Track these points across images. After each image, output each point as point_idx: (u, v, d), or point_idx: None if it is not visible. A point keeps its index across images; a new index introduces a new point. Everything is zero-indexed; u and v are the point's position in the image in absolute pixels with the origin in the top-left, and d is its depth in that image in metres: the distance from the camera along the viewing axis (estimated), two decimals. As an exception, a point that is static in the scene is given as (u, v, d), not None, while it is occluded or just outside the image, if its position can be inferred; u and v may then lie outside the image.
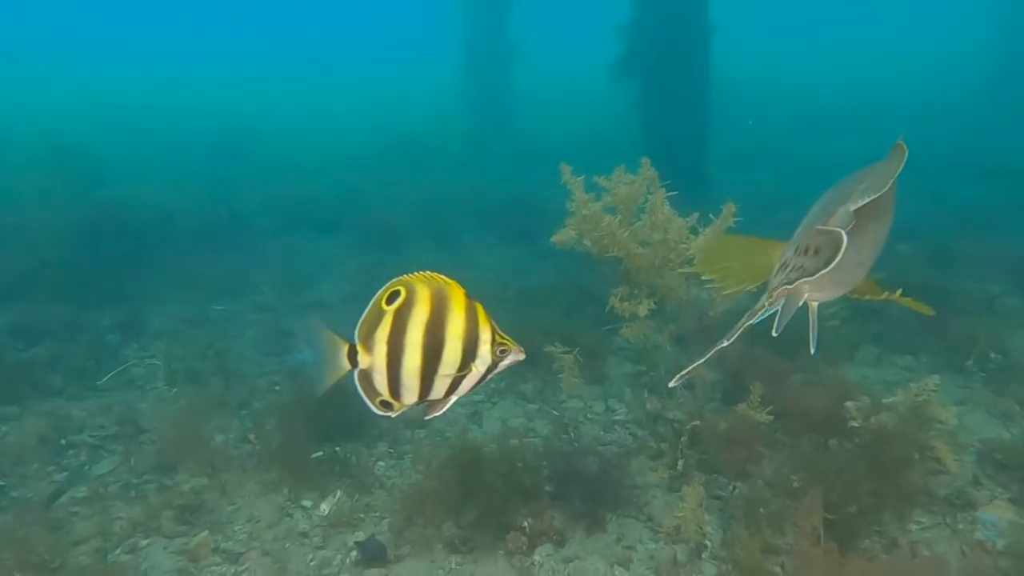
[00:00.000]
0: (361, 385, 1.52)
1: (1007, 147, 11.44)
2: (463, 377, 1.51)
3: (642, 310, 2.75)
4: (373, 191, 10.14)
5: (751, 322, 1.55)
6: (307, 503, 3.40)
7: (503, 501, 3.03)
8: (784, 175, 10.77)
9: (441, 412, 1.55)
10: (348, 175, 11.31)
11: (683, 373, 1.48)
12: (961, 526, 2.88)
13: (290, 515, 3.32)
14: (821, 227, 1.56)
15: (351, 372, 1.51)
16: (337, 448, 3.72)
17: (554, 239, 2.82)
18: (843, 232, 1.40)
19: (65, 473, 3.68)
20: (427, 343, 1.47)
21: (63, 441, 3.96)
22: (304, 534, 3.19)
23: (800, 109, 16.30)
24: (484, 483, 3.06)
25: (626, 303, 2.77)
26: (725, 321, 3.30)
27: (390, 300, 1.49)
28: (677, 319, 3.08)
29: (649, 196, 2.62)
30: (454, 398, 1.54)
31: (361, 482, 3.49)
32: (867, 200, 1.48)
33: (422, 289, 1.46)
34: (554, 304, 5.33)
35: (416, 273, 1.48)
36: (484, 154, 13.22)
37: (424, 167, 11.79)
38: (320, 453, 3.73)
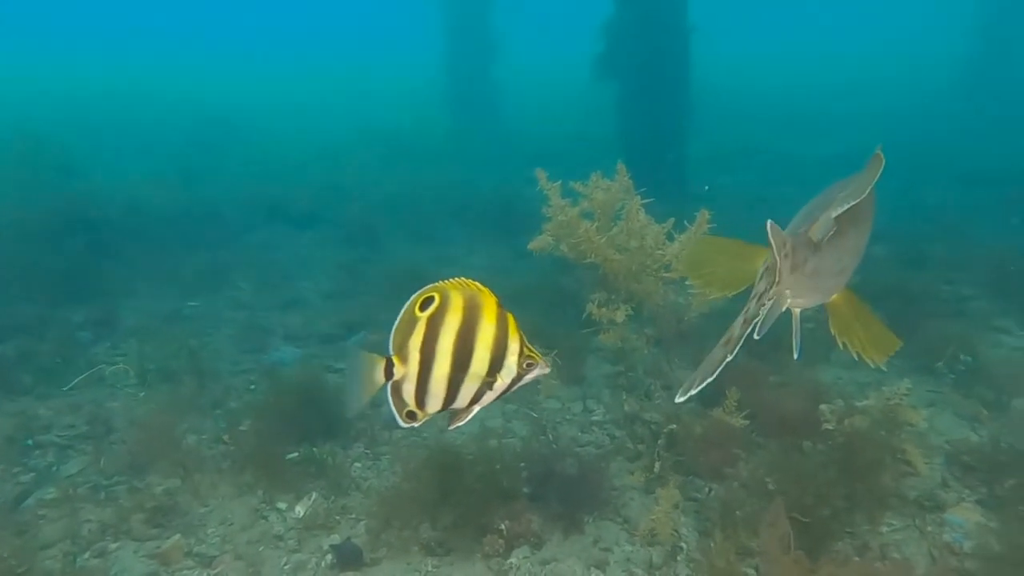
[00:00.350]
0: (393, 397, 1.50)
1: (981, 150, 11.65)
2: (488, 386, 1.50)
3: (619, 316, 2.76)
4: (354, 187, 10.05)
5: (747, 332, 1.55)
6: (282, 505, 3.36)
7: (481, 503, 3.02)
8: (766, 175, 10.86)
9: (464, 422, 1.54)
10: (329, 170, 11.20)
11: (692, 391, 1.49)
12: (930, 528, 2.93)
13: (264, 517, 3.29)
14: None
15: (384, 386, 1.50)
16: (314, 448, 3.69)
17: (531, 245, 2.81)
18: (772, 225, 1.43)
19: (32, 474, 3.61)
20: (457, 350, 1.46)
21: (30, 441, 3.88)
22: (279, 537, 3.15)
23: (781, 110, 16.44)
24: (462, 485, 3.05)
25: (603, 309, 2.78)
26: (702, 325, 3.33)
27: (423, 307, 1.47)
28: (654, 323, 3.09)
29: (626, 203, 2.62)
30: (476, 408, 1.53)
31: (337, 483, 3.47)
32: (847, 207, 1.50)
33: (455, 296, 1.45)
34: (533, 304, 5.32)
35: (450, 280, 1.47)
36: (467, 151, 13.16)
37: (406, 163, 11.70)
38: (296, 454, 3.70)
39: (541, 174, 2.67)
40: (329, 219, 8.53)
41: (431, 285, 1.46)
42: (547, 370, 1.53)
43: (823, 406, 3.26)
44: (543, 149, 11.79)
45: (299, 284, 6.63)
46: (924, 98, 16.55)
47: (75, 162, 9.46)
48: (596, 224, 2.67)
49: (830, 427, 3.13)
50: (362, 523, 3.20)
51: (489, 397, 1.51)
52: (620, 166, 2.75)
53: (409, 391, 1.48)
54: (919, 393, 3.96)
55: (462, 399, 1.50)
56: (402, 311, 1.47)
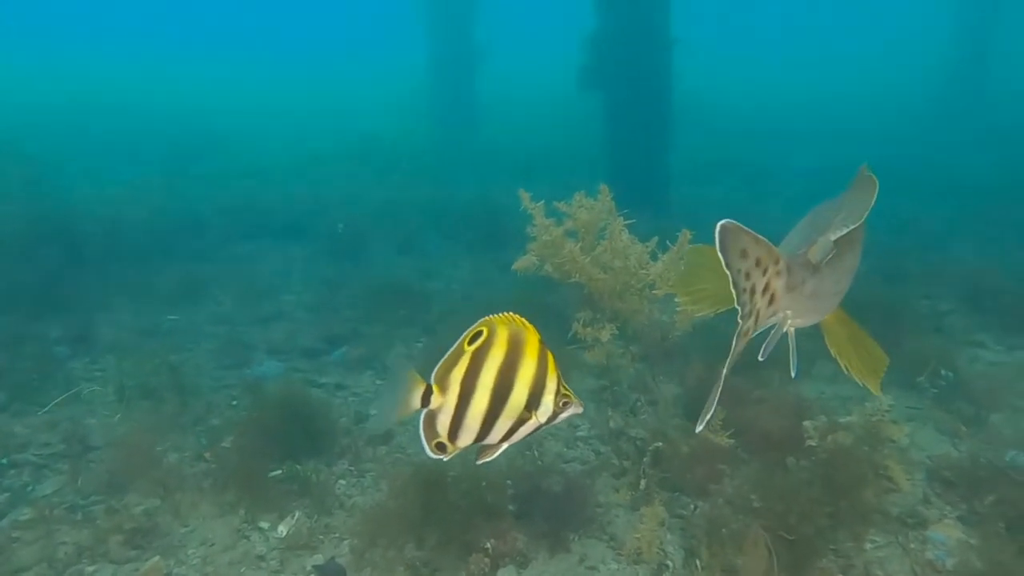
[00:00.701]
0: (425, 427, 1.49)
1: (959, 163, 11.87)
2: (521, 423, 1.49)
3: (604, 335, 2.77)
4: (336, 198, 10.00)
5: (741, 347, 1.57)
6: (264, 525, 3.31)
7: (466, 521, 3.01)
8: (750, 187, 10.99)
9: (493, 457, 1.54)
10: (311, 181, 11.14)
11: (707, 416, 1.50)
12: (913, 545, 2.96)
13: (246, 537, 3.24)
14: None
15: (418, 412, 1.50)
16: (298, 466, 3.65)
17: (516, 265, 2.82)
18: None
19: (7, 494, 3.52)
20: (497, 386, 1.46)
21: (5, 460, 3.79)
22: (261, 558, 3.11)
23: (762, 123, 16.66)
24: (447, 502, 3.03)
25: (589, 328, 2.79)
26: (687, 341, 3.35)
27: (471, 341, 1.47)
28: (640, 340, 3.11)
29: (609, 222, 2.64)
30: (505, 445, 1.52)
31: (321, 502, 3.43)
32: (846, 230, 1.54)
33: (501, 331, 1.45)
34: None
35: (498, 315, 1.46)
36: (452, 162, 13.17)
37: (389, 174, 11.68)
38: (279, 472, 3.65)
39: (524, 195, 2.68)
40: (311, 231, 8.47)
41: (482, 320, 1.46)
42: (580, 409, 1.54)
43: (806, 422, 3.29)
44: (528, 160, 11.85)
45: (281, 297, 6.57)
46: (901, 112, 16.87)
47: (53, 173, 9.33)
48: (580, 244, 2.68)
49: (813, 443, 3.16)
50: (346, 542, 3.16)
51: (522, 434, 1.51)
52: (603, 187, 2.77)
53: (444, 423, 1.47)
54: (900, 408, 4.01)
55: (495, 435, 1.50)
56: (455, 345, 1.47)
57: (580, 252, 2.68)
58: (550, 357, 1.47)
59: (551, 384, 1.48)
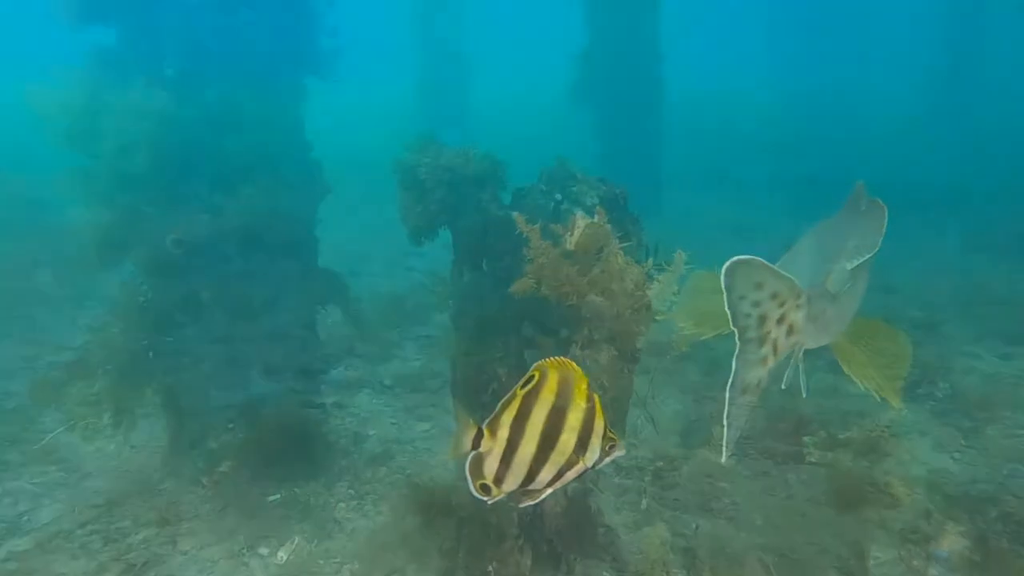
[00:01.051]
0: (471, 468, 1.49)
1: (952, 171, 11.94)
2: (569, 467, 1.49)
3: (604, 357, 2.77)
4: (330, 211, 9.98)
5: (757, 376, 1.57)
6: (264, 551, 3.28)
7: (468, 544, 2.99)
8: (738, 197, 11.04)
9: (536, 501, 1.53)
10: (305, 194, 11.10)
11: (728, 444, 1.51)
12: (916, 562, 2.95)
13: (246, 564, 3.21)
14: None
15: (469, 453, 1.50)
16: (296, 489, 3.63)
17: (513, 288, 2.82)
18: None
19: (3, 524, 3.48)
20: (545, 430, 1.46)
21: (0, 489, 3.76)
22: (261, 585, 3.08)
23: (749, 134, 16.76)
24: (449, 525, 3.01)
25: (588, 351, 2.80)
26: (686, 361, 3.36)
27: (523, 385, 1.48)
28: (639, 360, 3.11)
29: (606, 245, 2.65)
30: (549, 490, 1.52)
31: (321, 526, 3.41)
32: (862, 260, 1.57)
33: (551, 375, 1.46)
34: (514, 334, 5.31)
35: (549, 359, 1.47)
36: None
37: (383, 186, 11.66)
38: (277, 496, 3.63)
39: (519, 217, 2.69)
40: (305, 245, 8.43)
41: (535, 365, 1.47)
42: (623, 452, 1.54)
43: (806, 438, 3.30)
44: (522, 171, 11.86)
45: (278, 316, 6.53)
46: (893, 119, 17.00)
47: (41, 191, 9.27)
48: (576, 267, 2.69)
49: (814, 460, 3.17)
50: (346, 567, 3.14)
51: (568, 477, 1.51)
52: (599, 209, 2.78)
53: (491, 466, 1.47)
54: (900, 421, 4.02)
55: (542, 479, 1.49)
56: (511, 391, 1.48)
57: (577, 274, 2.69)
58: (597, 401, 1.48)
59: (599, 428, 1.48)
